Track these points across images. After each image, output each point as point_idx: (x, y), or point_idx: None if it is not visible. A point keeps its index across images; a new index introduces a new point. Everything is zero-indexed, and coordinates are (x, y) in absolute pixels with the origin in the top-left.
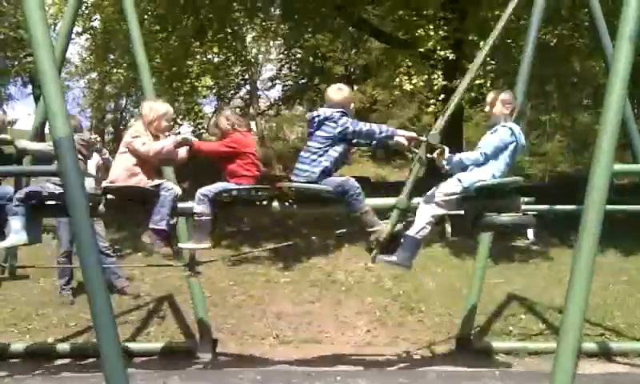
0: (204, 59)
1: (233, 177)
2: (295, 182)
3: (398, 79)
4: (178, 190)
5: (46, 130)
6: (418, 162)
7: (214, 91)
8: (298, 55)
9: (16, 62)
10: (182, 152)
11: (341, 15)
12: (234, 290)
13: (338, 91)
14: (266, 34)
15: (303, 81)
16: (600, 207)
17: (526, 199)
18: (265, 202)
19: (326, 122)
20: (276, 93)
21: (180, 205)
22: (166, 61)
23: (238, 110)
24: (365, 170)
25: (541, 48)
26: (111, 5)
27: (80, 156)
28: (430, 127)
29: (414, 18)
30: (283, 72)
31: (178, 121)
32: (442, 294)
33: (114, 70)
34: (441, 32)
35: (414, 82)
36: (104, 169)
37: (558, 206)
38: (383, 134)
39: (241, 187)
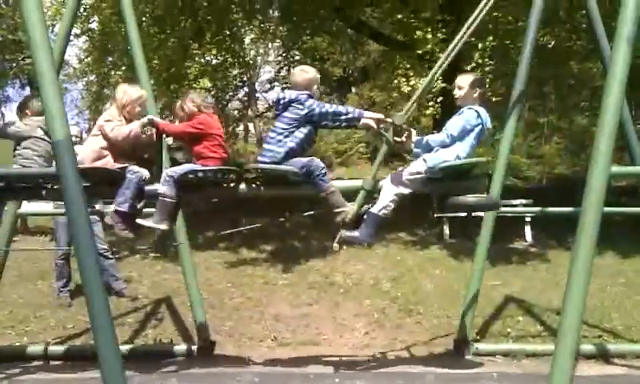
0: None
1: (199, 158)
2: (261, 162)
3: (396, 81)
4: (144, 173)
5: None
6: (385, 144)
7: (212, 93)
8: (297, 57)
9: (14, 64)
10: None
11: (339, 17)
12: (231, 292)
13: (302, 73)
14: (264, 35)
15: None
16: (598, 209)
17: (524, 201)
18: (232, 184)
19: (293, 104)
20: (274, 95)
21: (147, 188)
22: (164, 62)
23: (236, 112)
24: (363, 172)
25: (539, 50)
26: (109, 7)
27: (49, 139)
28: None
29: (412, 21)
30: (281, 74)
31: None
32: (439, 295)
33: (112, 72)
34: (439, 34)
35: (412, 83)
36: None
37: (556, 208)
38: (350, 115)
39: (207, 168)
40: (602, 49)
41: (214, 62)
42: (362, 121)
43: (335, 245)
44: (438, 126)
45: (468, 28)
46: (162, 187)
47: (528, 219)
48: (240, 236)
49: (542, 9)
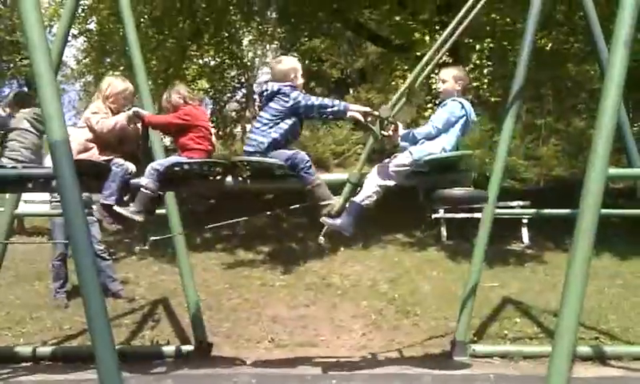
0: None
1: (184, 150)
2: (246, 152)
3: (393, 83)
4: (130, 167)
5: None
6: (372, 137)
7: (210, 94)
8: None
9: (11, 65)
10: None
11: (337, 19)
12: (229, 294)
13: (277, 64)
14: (262, 37)
15: None
16: (595, 211)
17: (521, 203)
18: (218, 177)
19: (278, 96)
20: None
21: (132, 181)
22: (162, 63)
23: (234, 113)
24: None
25: (536, 52)
26: (107, 7)
27: (35, 131)
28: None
29: (410, 23)
30: None
31: None
32: (437, 297)
33: (110, 73)
34: (437, 36)
35: None
36: None
37: (553, 210)
38: (336, 108)
39: (192, 161)
40: (600, 51)
41: (212, 63)
42: (349, 114)
43: (321, 238)
44: None
45: (459, 23)
46: (145, 179)
47: (525, 221)
48: (237, 237)
49: (539, 11)
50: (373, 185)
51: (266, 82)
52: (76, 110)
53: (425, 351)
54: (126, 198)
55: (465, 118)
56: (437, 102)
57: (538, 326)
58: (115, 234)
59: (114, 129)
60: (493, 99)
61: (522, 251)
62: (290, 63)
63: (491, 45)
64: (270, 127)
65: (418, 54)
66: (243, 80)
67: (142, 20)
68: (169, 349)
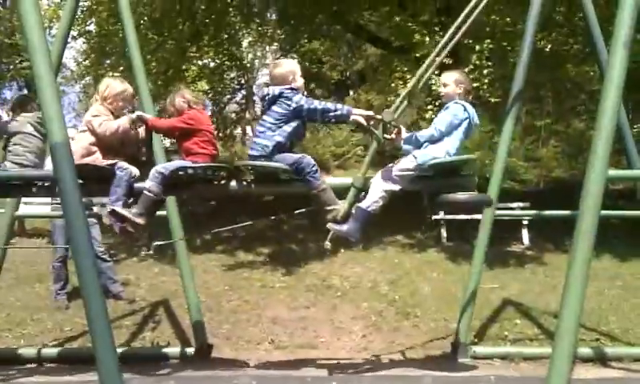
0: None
1: (188, 154)
2: (250, 156)
3: (393, 85)
4: (134, 171)
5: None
6: (375, 141)
7: (209, 96)
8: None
9: (11, 67)
10: (142, 132)
11: (337, 21)
12: (229, 295)
13: (276, 68)
14: (262, 39)
15: None
16: (595, 212)
17: (521, 204)
18: (222, 182)
19: (280, 99)
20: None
21: (136, 185)
22: (161, 65)
23: (233, 114)
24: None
25: (536, 53)
26: (107, 9)
27: (39, 135)
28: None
29: (410, 24)
30: None
31: None
32: (437, 298)
33: (110, 74)
34: (437, 37)
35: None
36: None
37: (553, 211)
38: (339, 112)
39: (196, 165)
40: (599, 52)
41: (212, 64)
42: (352, 118)
43: (327, 243)
44: None
45: (459, 27)
46: (149, 182)
47: (525, 222)
48: (238, 239)
49: (539, 12)
50: (378, 190)
51: (267, 84)
52: (76, 112)
53: (425, 353)
54: (129, 202)
55: (468, 120)
56: (437, 104)
57: (538, 328)
58: (116, 236)
59: (117, 132)
60: (492, 100)
61: (522, 253)
62: (288, 65)
63: (491, 46)
64: (274, 130)
65: (418, 55)
66: (243, 81)
67: (141, 21)
68: (169, 350)
